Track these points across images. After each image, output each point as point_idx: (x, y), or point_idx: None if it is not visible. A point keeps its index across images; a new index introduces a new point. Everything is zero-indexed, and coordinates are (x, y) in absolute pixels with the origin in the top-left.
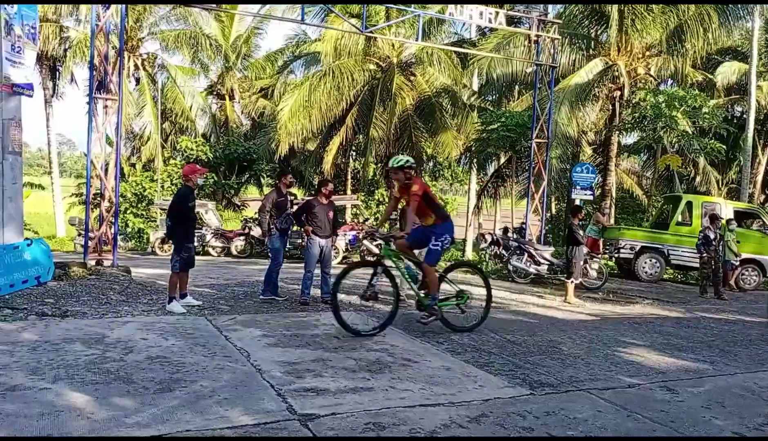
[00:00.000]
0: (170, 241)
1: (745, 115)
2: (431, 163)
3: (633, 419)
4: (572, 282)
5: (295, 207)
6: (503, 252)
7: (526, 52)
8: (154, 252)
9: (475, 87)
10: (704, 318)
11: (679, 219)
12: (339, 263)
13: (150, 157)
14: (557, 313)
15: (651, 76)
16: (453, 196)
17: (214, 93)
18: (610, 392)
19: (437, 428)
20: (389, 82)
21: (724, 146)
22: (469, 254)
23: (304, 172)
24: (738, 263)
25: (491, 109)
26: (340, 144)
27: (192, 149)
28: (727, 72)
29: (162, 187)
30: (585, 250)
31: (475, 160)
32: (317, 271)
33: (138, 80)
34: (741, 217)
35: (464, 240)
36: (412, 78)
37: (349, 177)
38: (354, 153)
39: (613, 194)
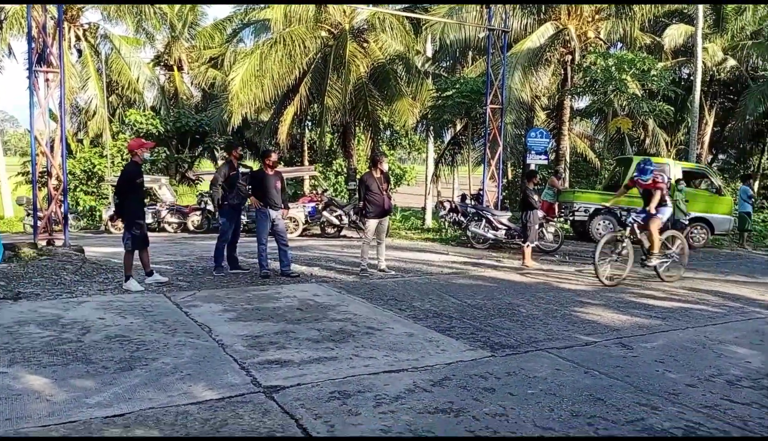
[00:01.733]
0: (121, 219)
1: (691, 77)
2: (388, 132)
3: (590, 376)
4: (528, 246)
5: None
6: (462, 219)
7: (478, 17)
8: (107, 230)
9: (429, 53)
10: (653, 276)
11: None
12: (299, 236)
13: (98, 132)
14: (515, 277)
15: (601, 39)
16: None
17: (162, 64)
18: (568, 351)
19: (401, 393)
20: (342, 49)
21: (672, 108)
22: (429, 222)
23: (258, 144)
24: (687, 222)
25: (446, 75)
26: (295, 114)
27: (141, 122)
28: (674, 34)
29: (112, 162)
30: (540, 214)
31: (431, 127)
32: (274, 244)
33: (80, 52)
34: (690, 177)
35: (423, 208)
36: (365, 45)
37: (305, 147)
38: (309, 123)
39: (567, 158)
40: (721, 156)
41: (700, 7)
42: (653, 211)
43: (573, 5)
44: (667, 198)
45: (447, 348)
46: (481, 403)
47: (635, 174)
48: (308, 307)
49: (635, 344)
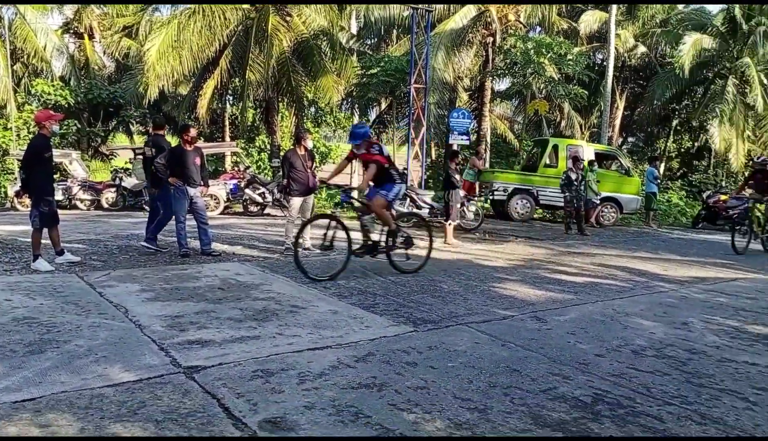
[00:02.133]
0: (27, 195)
1: (605, 63)
2: (312, 109)
3: (507, 348)
4: (450, 224)
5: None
6: None
7: None
8: (13, 207)
9: (354, 30)
10: (569, 253)
11: (547, 161)
12: (221, 214)
13: (1, 103)
14: (438, 254)
15: (521, 22)
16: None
17: (71, 31)
18: (487, 325)
19: (325, 370)
20: (264, 22)
21: (587, 92)
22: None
23: (177, 118)
24: (598, 202)
25: (371, 53)
26: (215, 88)
27: (49, 93)
28: (590, 20)
29: (18, 135)
30: (462, 193)
31: (356, 105)
32: (193, 222)
33: None
34: (601, 158)
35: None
36: (288, 18)
37: (226, 123)
38: (231, 97)
39: (488, 139)
40: (630, 139)
41: None
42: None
43: None
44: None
45: (371, 324)
46: (403, 377)
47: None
48: (230, 287)
49: (549, 317)
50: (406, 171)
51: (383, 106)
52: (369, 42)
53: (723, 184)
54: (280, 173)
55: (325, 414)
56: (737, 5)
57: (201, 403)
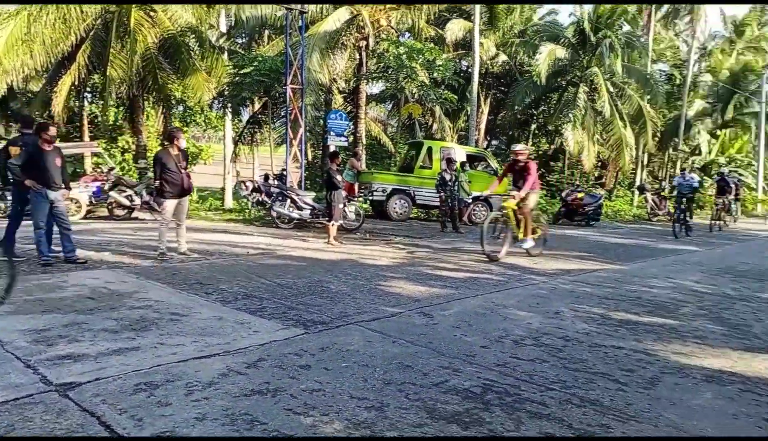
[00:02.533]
0: None
1: (470, 69)
2: (181, 107)
3: (398, 345)
4: (333, 224)
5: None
6: (266, 199)
7: None
8: None
9: (224, 28)
10: (447, 250)
11: (422, 163)
12: (83, 219)
13: None
14: (322, 255)
15: (393, 28)
16: (208, 144)
17: None
18: (377, 323)
19: (215, 379)
20: (126, 17)
21: (456, 97)
22: (229, 203)
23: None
24: (470, 201)
25: (242, 52)
26: (72, 84)
27: None
28: (455, 28)
29: None
30: (344, 193)
31: (229, 104)
32: (56, 228)
33: None
34: (471, 160)
35: (223, 189)
36: (152, 13)
37: (85, 121)
38: (90, 95)
39: (364, 141)
40: (494, 142)
41: (477, 5)
42: None
43: None
44: None
45: (259, 329)
46: (297, 381)
47: None
48: (101, 296)
49: (435, 312)
50: (284, 172)
51: (257, 105)
52: (240, 41)
53: (578, 183)
54: (149, 174)
55: (218, 424)
56: (586, 19)
57: (79, 422)
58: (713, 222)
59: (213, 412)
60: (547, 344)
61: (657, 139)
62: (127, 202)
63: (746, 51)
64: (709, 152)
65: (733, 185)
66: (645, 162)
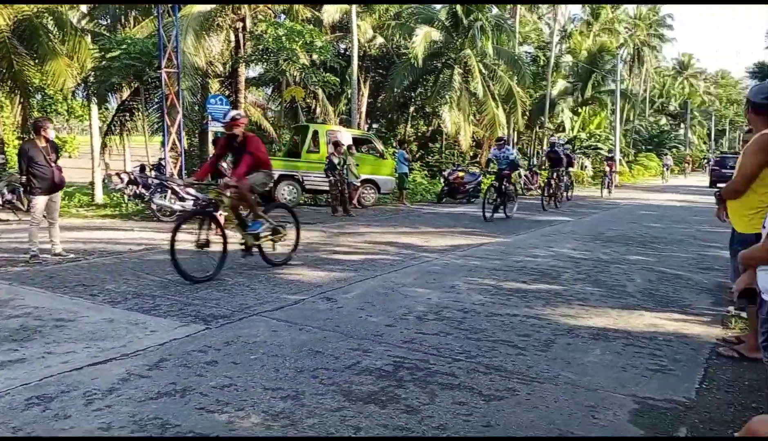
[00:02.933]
0: None
1: (348, 52)
2: (39, 96)
3: (305, 332)
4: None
5: None
6: (143, 191)
7: None
8: None
9: (84, 9)
10: (341, 234)
11: (309, 147)
12: None
13: None
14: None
15: (270, 9)
16: (72, 135)
17: None
18: (280, 312)
19: (115, 385)
20: None
21: (338, 79)
22: (100, 198)
23: None
24: (359, 184)
25: (108, 34)
26: None
27: None
28: (332, 10)
29: None
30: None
31: (95, 91)
32: None
33: None
34: (358, 143)
35: (92, 183)
36: None
37: None
38: None
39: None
40: (374, 125)
41: None
42: None
43: None
44: None
45: (156, 328)
46: (205, 378)
47: None
48: None
49: (337, 296)
50: (162, 161)
51: (126, 93)
52: (104, 22)
53: (459, 162)
54: (9, 171)
55: (126, 432)
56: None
57: None
58: (546, 198)
59: (119, 420)
60: (448, 317)
61: (526, 117)
62: None
63: (602, 32)
64: (572, 128)
65: (563, 156)
66: (515, 140)
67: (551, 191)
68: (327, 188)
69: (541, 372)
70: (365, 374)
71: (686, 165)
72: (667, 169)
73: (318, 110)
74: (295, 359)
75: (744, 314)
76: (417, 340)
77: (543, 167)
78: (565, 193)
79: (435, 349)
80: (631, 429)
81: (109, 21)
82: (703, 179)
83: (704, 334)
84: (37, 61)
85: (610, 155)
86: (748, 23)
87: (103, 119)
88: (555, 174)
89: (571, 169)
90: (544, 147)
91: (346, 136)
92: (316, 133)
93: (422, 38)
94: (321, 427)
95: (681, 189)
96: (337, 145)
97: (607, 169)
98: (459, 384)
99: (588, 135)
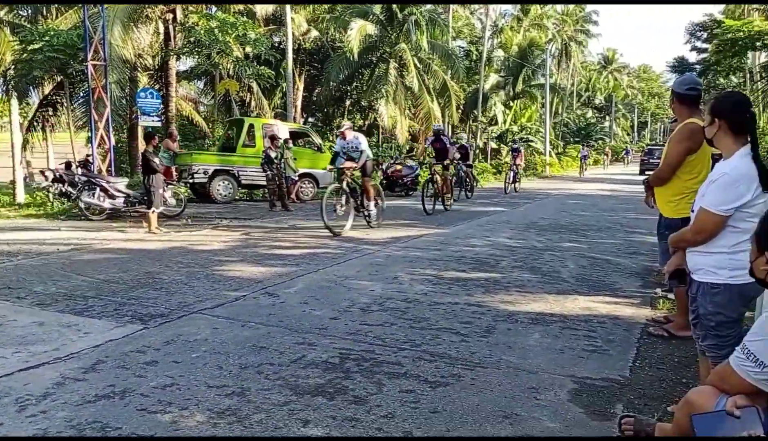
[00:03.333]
0: None
1: (282, 45)
2: None
3: (248, 328)
4: (154, 211)
5: None
6: (70, 189)
7: None
8: None
9: None
10: (280, 229)
11: (245, 141)
12: None
13: None
14: (146, 245)
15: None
16: None
17: None
18: (221, 308)
19: (49, 389)
20: None
21: (274, 73)
22: (22, 197)
23: None
24: (297, 178)
25: (28, 26)
26: None
27: None
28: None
29: None
30: (162, 177)
31: (15, 85)
32: None
33: None
34: (294, 136)
35: (13, 182)
36: None
37: None
38: None
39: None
40: (310, 119)
41: None
42: None
43: None
44: None
45: (90, 330)
46: (146, 379)
47: None
48: None
49: (280, 291)
50: (90, 158)
51: (48, 87)
52: (25, 13)
53: (397, 156)
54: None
55: (64, 437)
56: None
57: None
58: (428, 198)
59: (55, 425)
60: (392, 308)
61: (460, 111)
62: None
63: (532, 28)
64: (504, 122)
65: (450, 146)
66: (450, 133)
67: (435, 189)
68: (264, 183)
69: (484, 357)
70: (311, 367)
71: (605, 156)
72: (585, 160)
73: (253, 104)
74: (239, 356)
75: (671, 295)
76: (362, 331)
77: (424, 161)
78: (462, 191)
79: (380, 340)
80: (571, 407)
81: (30, 11)
82: (624, 170)
83: (635, 315)
84: None
85: (515, 146)
86: (666, 22)
87: (24, 115)
88: (440, 167)
89: (467, 162)
90: (478, 141)
91: (282, 130)
92: (251, 126)
93: (357, 32)
94: (269, 422)
95: (607, 179)
96: (273, 138)
97: (511, 161)
98: (405, 372)
99: (520, 128)
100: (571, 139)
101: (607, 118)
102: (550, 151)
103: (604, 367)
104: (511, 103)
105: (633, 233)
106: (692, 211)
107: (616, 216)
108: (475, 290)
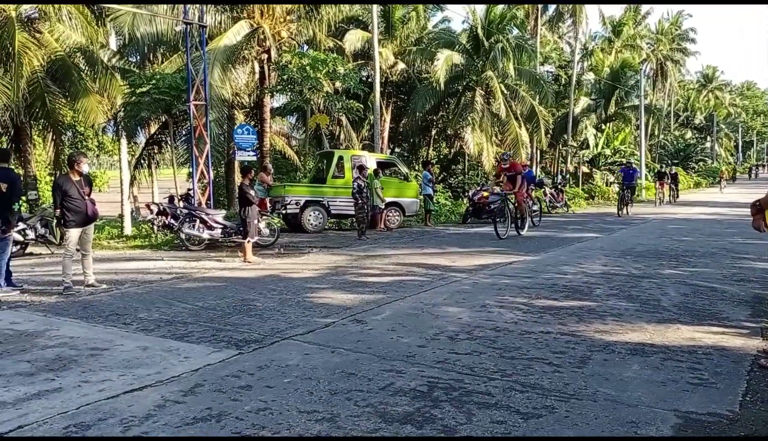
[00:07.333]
0: None
1: (370, 79)
2: (70, 132)
3: (337, 354)
4: (249, 241)
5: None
6: (172, 221)
7: (170, 11)
8: None
9: (114, 47)
10: (368, 257)
11: (335, 173)
12: None
13: None
14: (241, 273)
15: (294, 40)
16: (102, 170)
17: None
18: (312, 335)
19: (151, 411)
20: (9, 39)
21: (362, 106)
22: (129, 229)
23: None
24: (383, 207)
25: (137, 71)
26: None
27: None
28: (353, 39)
29: None
30: (257, 209)
31: (125, 126)
32: None
33: None
34: (382, 166)
35: (121, 215)
36: (38, 35)
37: None
38: None
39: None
40: (397, 149)
41: (375, 15)
42: None
43: (265, 5)
44: None
45: (190, 354)
46: (240, 402)
47: None
48: (8, 338)
49: (368, 318)
50: (191, 191)
51: (154, 126)
52: (133, 59)
53: (484, 183)
54: (43, 205)
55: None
56: (479, 25)
57: None
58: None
59: None
60: (480, 337)
61: (549, 136)
62: (20, 238)
63: (624, 49)
64: (596, 145)
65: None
66: (539, 159)
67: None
68: (352, 213)
69: (578, 389)
70: (400, 395)
71: (721, 178)
72: (667, 183)
73: (342, 136)
74: (329, 382)
75: None
76: (450, 359)
77: (560, 185)
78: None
79: (469, 369)
80: None
81: (138, 58)
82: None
83: (744, 346)
84: (69, 99)
85: (662, 171)
86: None
87: (132, 153)
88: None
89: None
90: (568, 165)
91: (370, 161)
92: (341, 158)
93: (444, 62)
94: None
95: (710, 203)
96: (362, 169)
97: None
98: (496, 403)
99: (613, 151)
100: (669, 162)
101: (708, 138)
102: (646, 174)
103: (710, 402)
104: (603, 126)
105: (741, 259)
106: None
107: (722, 241)
108: (567, 319)
